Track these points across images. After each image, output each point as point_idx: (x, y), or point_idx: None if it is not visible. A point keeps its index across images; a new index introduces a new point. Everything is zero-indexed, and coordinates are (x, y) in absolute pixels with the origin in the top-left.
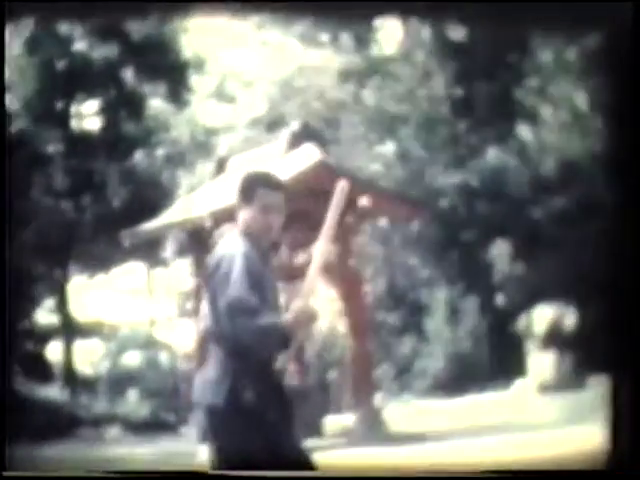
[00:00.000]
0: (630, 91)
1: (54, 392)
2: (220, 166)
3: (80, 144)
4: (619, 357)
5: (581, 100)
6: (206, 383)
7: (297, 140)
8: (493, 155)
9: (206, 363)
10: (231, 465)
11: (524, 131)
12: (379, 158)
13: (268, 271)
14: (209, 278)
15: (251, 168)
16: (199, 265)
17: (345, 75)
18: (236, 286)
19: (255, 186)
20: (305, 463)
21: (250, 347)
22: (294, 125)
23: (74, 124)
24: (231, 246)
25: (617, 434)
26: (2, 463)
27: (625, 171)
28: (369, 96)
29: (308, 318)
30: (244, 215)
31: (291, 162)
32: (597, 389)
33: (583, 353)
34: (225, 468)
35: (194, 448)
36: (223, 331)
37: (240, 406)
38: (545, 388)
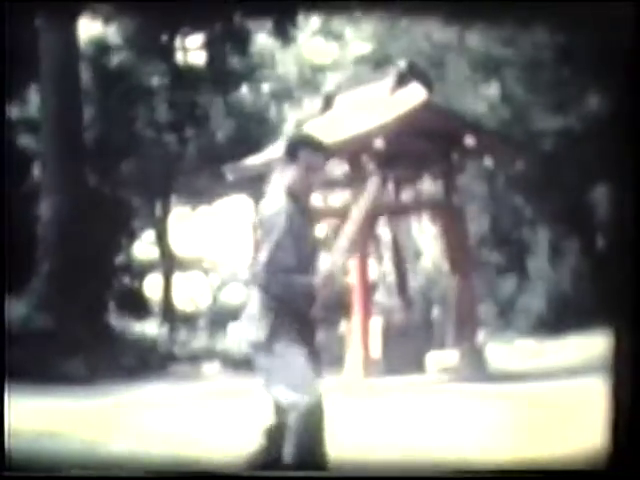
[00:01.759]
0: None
1: (151, 327)
2: (327, 102)
3: (184, 77)
4: None
5: None
6: (249, 319)
7: (403, 79)
8: (595, 101)
9: (249, 303)
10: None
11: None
12: (483, 99)
13: (308, 226)
14: (256, 230)
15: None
16: None
17: (451, 17)
18: (276, 246)
19: (300, 147)
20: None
21: (283, 298)
22: (401, 64)
23: (179, 57)
24: (276, 204)
25: (617, 430)
26: (2, 463)
27: None
28: (474, 39)
29: (333, 282)
30: (288, 173)
31: (397, 101)
32: None
33: None
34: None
35: None
36: (263, 280)
37: (278, 341)
38: None
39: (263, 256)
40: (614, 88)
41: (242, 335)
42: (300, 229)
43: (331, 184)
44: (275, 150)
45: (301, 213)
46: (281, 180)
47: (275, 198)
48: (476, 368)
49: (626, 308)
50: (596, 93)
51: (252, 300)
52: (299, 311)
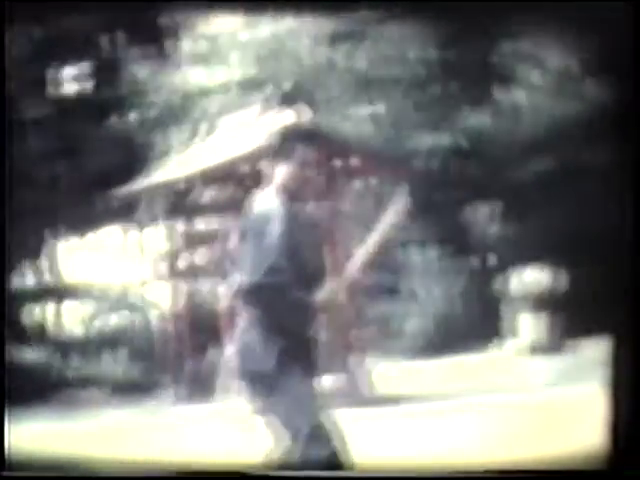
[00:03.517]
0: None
1: (38, 355)
2: (196, 130)
3: (62, 109)
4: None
5: (564, 62)
6: (250, 348)
7: (286, 101)
8: (475, 117)
9: (238, 326)
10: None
11: (508, 94)
12: (357, 120)
13: (307, 231)
14: (244, 238)
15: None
16: (175, 227)
17: (323, 38)
18: (270, 255)
19: (295, 141)
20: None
21: (282, 318)
22: (284, 86)
23: (53, 90)
24: (267, 206)
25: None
26: (2, 463)
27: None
28: (347, 59)
29: (334, 304)
30: (281, 171)
31: (267, 125)
32: (586, 353)
33: (569, 316)
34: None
35: (179, 409)
36: (258, 297)
37: (289, 371)
38: (533, 350)
39: (256, 268)
40: (493, 103)
41: (237, 365)
42: (297, 234)
43: (211, 209)
44: (147, 178)
45: (298, 216)
46: (272, 179)
47: (266, 200)
48: (362, 392)
49: None
50: (476, 108)
51: (243, 322)
52: (299, 335)
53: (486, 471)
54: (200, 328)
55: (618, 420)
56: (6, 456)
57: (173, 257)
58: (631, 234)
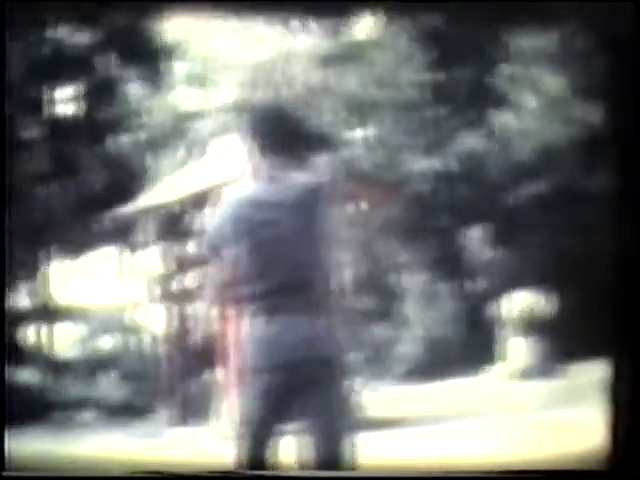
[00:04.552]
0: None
1: (31, 376)
2: (190, 152)
3: (57, 130)
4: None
5: (557, 86)
6: (311, 336)
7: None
8: (469, 140)
9: (261, 323)
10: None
11: (501, 117)
12: (353, 143)
13: None
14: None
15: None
16: (171, 250)
17: (319, 61)
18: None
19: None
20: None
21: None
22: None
23: (51, 109)
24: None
25: (616, 431)
26: (2, 463)
27: (608, 156)
28: (343, 82)
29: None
30: None
31: None
32: (578, 377)
33: (560, 340)
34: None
35: (166, 431)
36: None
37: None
38: (522, 374)
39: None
40: (488, 126)
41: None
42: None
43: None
44: (143, 200)
45: None
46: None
47: None
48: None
49: None
50: (471, 132)
51: (279, 318)
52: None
53: (487, 471)
54: (194, 351)
55: (618, 422)
56: (6, 456)
57: (167, 280)
58: (625, 259)
